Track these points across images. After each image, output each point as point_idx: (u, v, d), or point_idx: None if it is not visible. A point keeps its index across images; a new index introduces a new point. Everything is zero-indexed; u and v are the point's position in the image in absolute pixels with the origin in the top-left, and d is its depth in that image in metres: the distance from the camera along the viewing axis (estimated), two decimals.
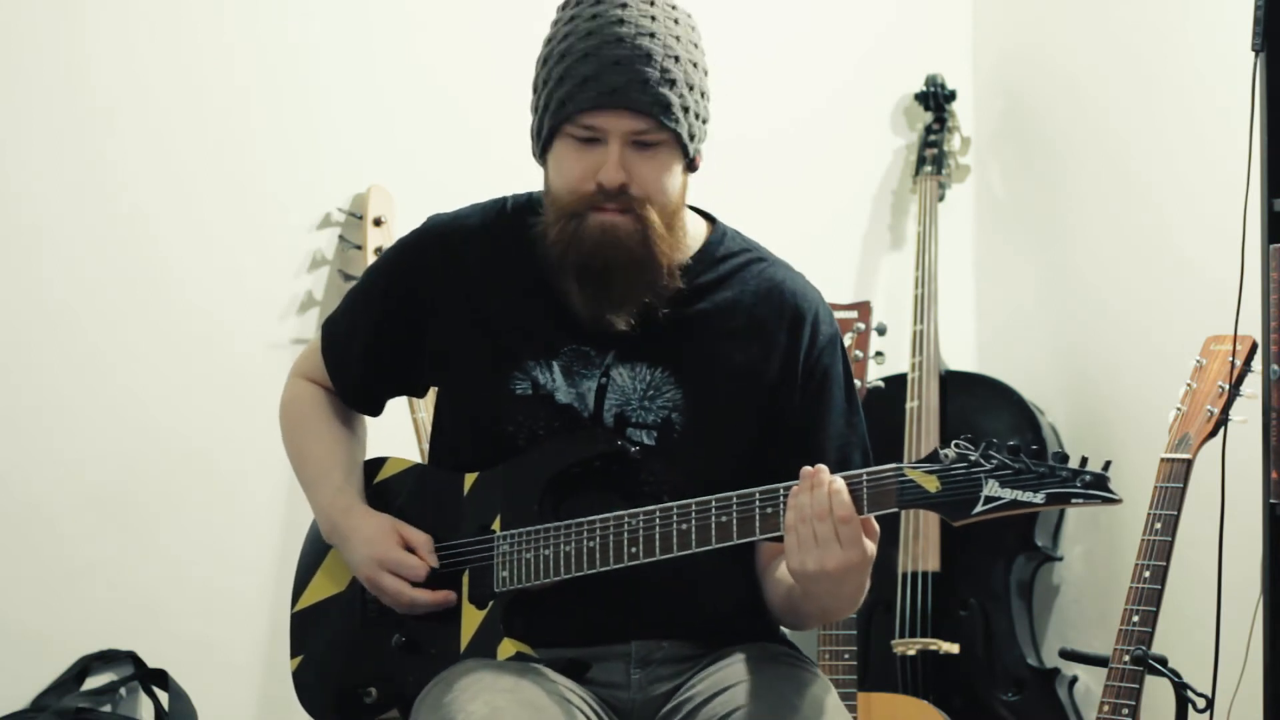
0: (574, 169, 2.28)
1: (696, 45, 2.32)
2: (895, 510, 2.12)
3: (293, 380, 2.56)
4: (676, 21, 2.29)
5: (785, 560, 2.16)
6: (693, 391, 2.33)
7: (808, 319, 2.38)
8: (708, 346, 2.35)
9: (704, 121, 2.33)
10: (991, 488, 2.06)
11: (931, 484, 2.09)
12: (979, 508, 2.07)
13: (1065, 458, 2.06)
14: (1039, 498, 2.05)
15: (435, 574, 2.34)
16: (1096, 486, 2.05)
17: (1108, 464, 2.07)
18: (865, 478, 2.13)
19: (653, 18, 2.26)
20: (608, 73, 2.24)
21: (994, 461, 2.07)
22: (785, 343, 2.36)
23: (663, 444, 2.32)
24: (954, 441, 2.09)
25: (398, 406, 3.03)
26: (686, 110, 2.28)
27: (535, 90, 2.33)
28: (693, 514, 2.21)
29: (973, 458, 2.07)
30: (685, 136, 2.28)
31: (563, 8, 2.32)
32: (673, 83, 2.26)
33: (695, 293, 2.36)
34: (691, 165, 2.34)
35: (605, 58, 2.24)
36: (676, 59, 2.26)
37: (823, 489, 2.12)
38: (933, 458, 2.10)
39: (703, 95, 2.32)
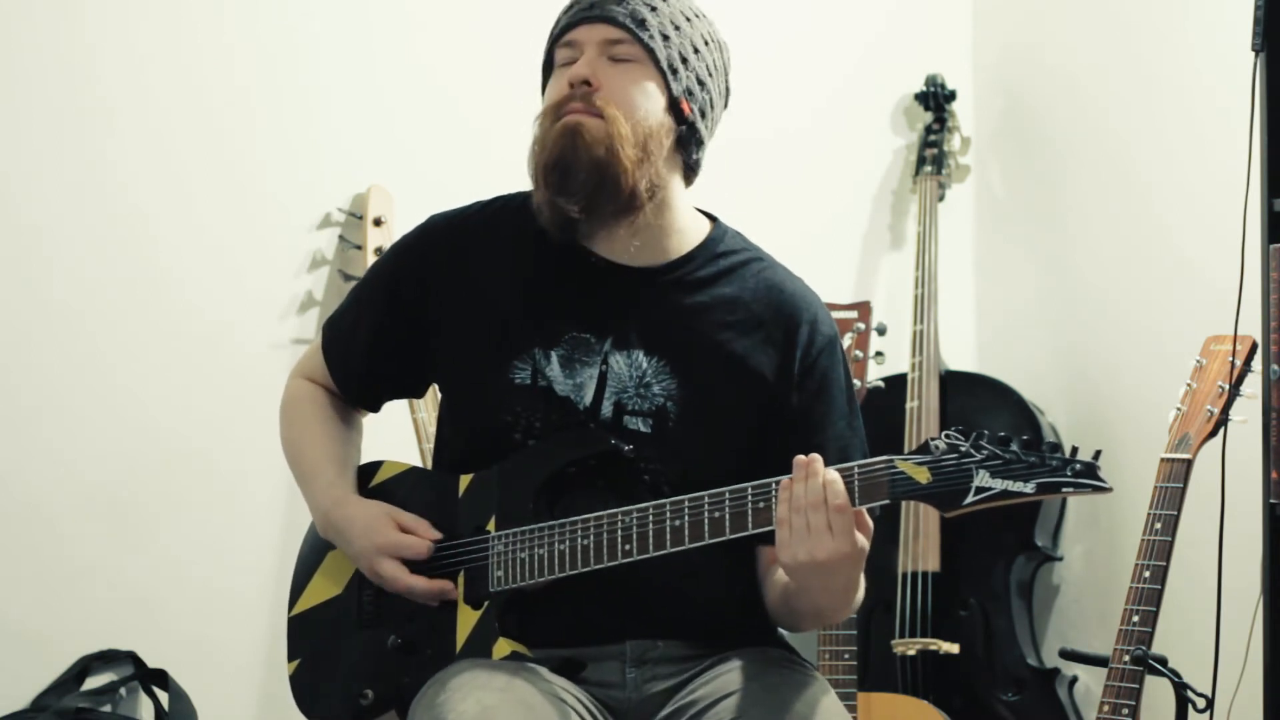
0: (554, 86, 2.35)
1: (698, 16, 2.39)
2: (887, 502, 2.13)
3: (293, 380, 2.57)
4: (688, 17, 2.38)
5: (778, 553, 2.16)
6: (689, 380, 2.34)
7: (806, 321, 2.38)
8: (705, 337, 2.35)
9: (701, 86, 2.36)
10: (982, 478, 2.08)
11: (923, 475, 2.10)
12: (970, 498, 2.08)
13: (1056, 447, 2.08)
14: (1029, 487, 2.06)
15: (432, 569, 2.35)
16: (1086, 475, 2.06)
17: (1098, 453, 2.08)
18: (857, 470, 2.14)
19: None
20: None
21: (984, 452, 2.08)
22: (783, 343, 2.37)
23: (658, 432, 2.33)
24: (945, 433, 2.10)
25: (398, 407, 3.04)
26: (667, 39, 2.33)
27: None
28: (685, 510, 2.21)
29: (963, 448, 2.09)
30: (663, 60, 2.32)
31: None
32: (654, 8, 2.34)
33: (694, 285, 2.37)
34: (678, 111, 2.35)
35: None
36: (655, 9, 2.34)
37: (816, 479, 2.13)
38: (924, 449, 2.11)
39: (700, 54, 2.37)
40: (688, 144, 2.37)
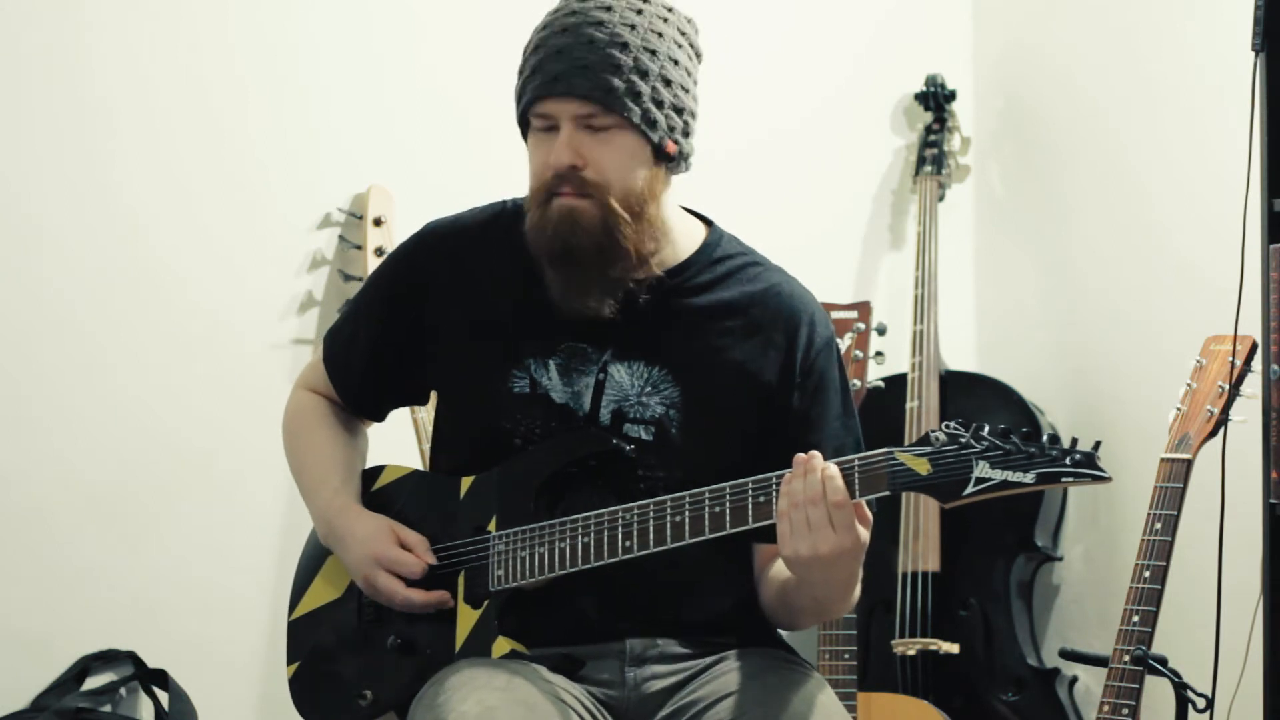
0: (536, 157, 2.33)
1: (662, 35, 2.31)
2: (887, 493, 2.14)
3: (296, 392, 2.58)
4: (639, 12, 2.31)
5: (780, 548, 2.16)
6: (690, 388, 2.34)
7: (804, 322, 2.38)
8: (705, 344, 2.36)
9: (680, 112, 2.33)
10: (982, 469, 2.08)
11: (923, 466, 2.11)
12: (970, 489, 2.09)
13: (1056, 439, 2.09)
14: (1029, 477, 2.07)
15: (432, 575, 2.35)
16: (1085, 465, 2.07)
17: (1097, 443, 2.09)
18: (857, 462, 2.15)
19: (609, 7, 2.30)
20: (550, 61, 2.29)
21: (984, 443, 2.09)
22: (782, 345, 2.37)
23: (660, 439, 2.33)
24: (945, 424, 2.11)
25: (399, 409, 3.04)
26: (639, 96, 2.28)
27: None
28: (686, 505, 2.22)
29: (963, 440, 2.09)
30: (641, 122, 2.29)
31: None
32: (617, 68, 2.27)
33: (692, 291, 2.37)
34: (663, 153, 2.32)
35: (550, 48, 2.29)
36: (625, 45, 2.28)
37: (815, 474, 2.14)
38: (924, 441, 2.12)
39: (672, 84, 2.31)
40: (677, 165, 2.37)
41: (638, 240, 2.31)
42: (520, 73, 2.34)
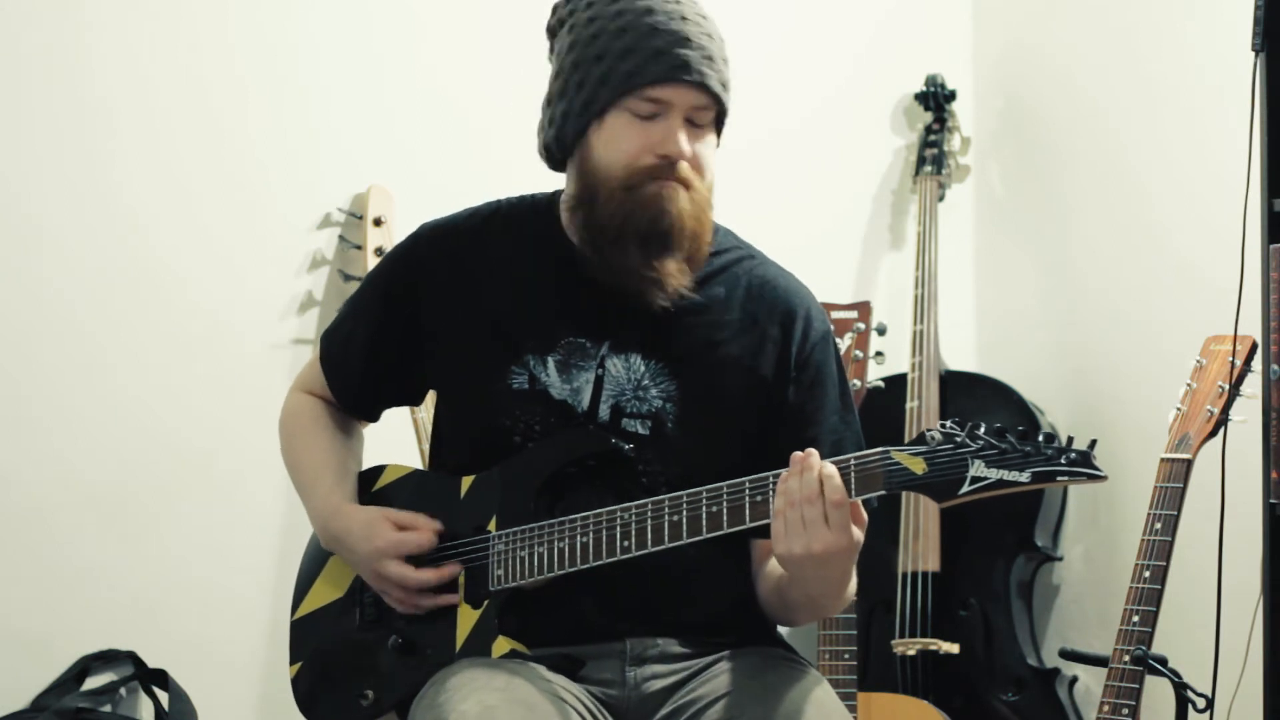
0: (633, 142, 2.29)
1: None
2: (883, 493, 2.14)
3: (291, 394, 2.58)
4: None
5: (774, 546, 2.16)
6: (687, 382, 2.34)
7: (799, 315, 2.39)
8: (701, 338, 2.36)
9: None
10: (978, 468, 2.08)
11: (918, 466, 2.10)
12: (965, 488, 2.08)
13: (1052, 437, 2.08)
14: (1024, 476, 2.07)
15: (436, 553, 2.35)
16: (1081, 464, 2.07)
17: (1093, 442, 2.09)
18: (853, 461, 2.14)
19: (697, 2, 2.33)
20: (680, 46, 2.27)
21: (980, 442, 2.08)
22: (778, 338, 2.37)
23: (657, 433, 2.33)
24: (941, 423, 2.11)
25: (398, 408, 3.04)
26: (727, 87, 2.33)
27: (577, 67, 2.31)
28: (684, 505, 2.22)
29: (959, 439, 2.09)
30: (726, 114, 2.35)
31: None
32: (726, 62, 2.32)
33: (689, 285, 2.37)
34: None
35: (675, 33, 2.28)
36: (722, 43, 2.33)
37: (812, 473, 2.14)
38: (920, 440, 2.11)
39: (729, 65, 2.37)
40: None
41: (708, 236, 2.34)
42: (617, 53, 2.27)
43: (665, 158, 2.28)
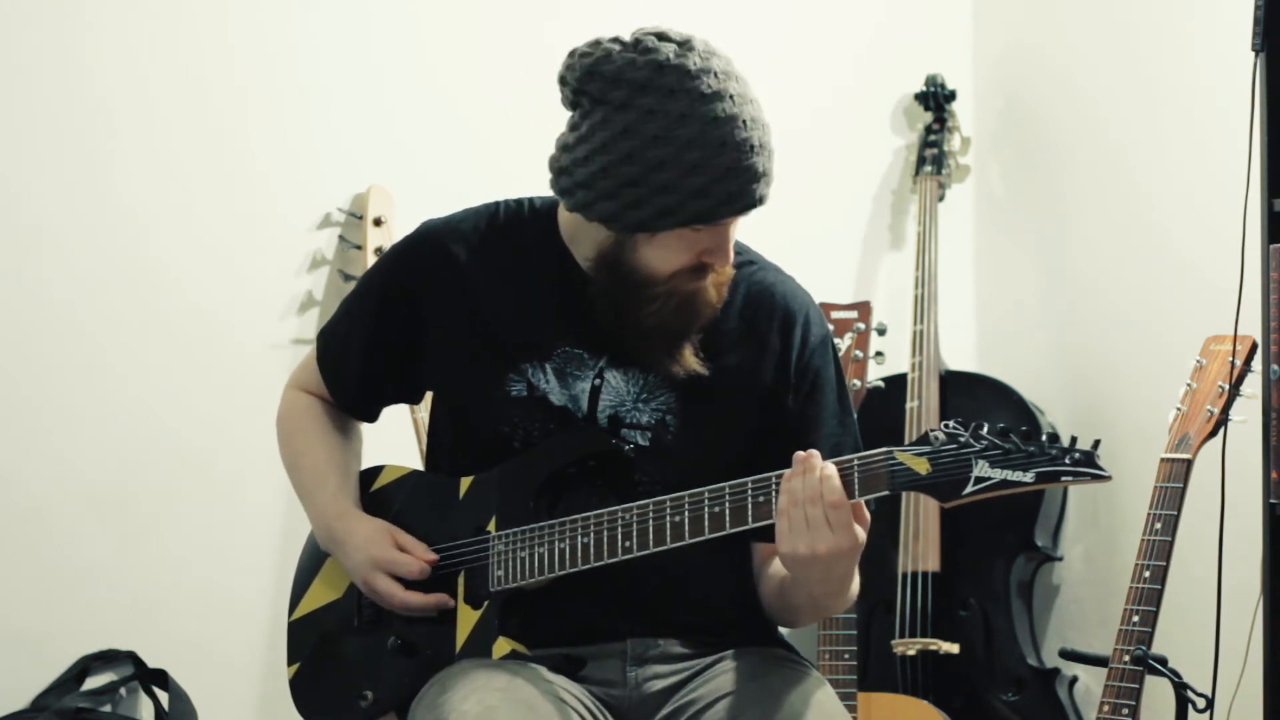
0: (684, 254, 2.26)
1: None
2: (886, 493, 2.14)
3: (288, 392, 2.57)
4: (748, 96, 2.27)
5: (777, 546, 2.16)
6: (686, 393, 2.34)
7: (799, 321, 2.38)
8: (700, 349, 2.34)
9: None
10: (981, 468, 2.08)
11: (922, 466, 2.10)
12: (969, 488, 2.08)
13: (1055, 438, 2.09)
14: (1028, 477, 2.07)
15: (432, 577, 2.35)
16: (1085, 464, 2.06)
17: (1096, 442, 2.09)
18: (856, 462, 2.14)
19: (751, 100, 2.23)
20: (754, 182, 2.21)
21: (984, 442, 2.08)
22: (777, 346, 2.37)
23: (656, 444, 2.33)
24: (944, 423, 2.10)
25: (398, 406, 3.04)
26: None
27: (635, 183, 2.20)
28: (686, 505, 2.22)
29: (962, 439, 2.09)
30: None
31: (659, 69, 2.19)
32: (772, 158, 2.26)
33: None
34: None
35: (750, 169, 2.21)
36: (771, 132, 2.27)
37: (814, 474, 2.14)
38: (923, 440, 2.11)
39: None
40: None
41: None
42: (693, 190, 2.19)
43: (711, 266, 2.28)
